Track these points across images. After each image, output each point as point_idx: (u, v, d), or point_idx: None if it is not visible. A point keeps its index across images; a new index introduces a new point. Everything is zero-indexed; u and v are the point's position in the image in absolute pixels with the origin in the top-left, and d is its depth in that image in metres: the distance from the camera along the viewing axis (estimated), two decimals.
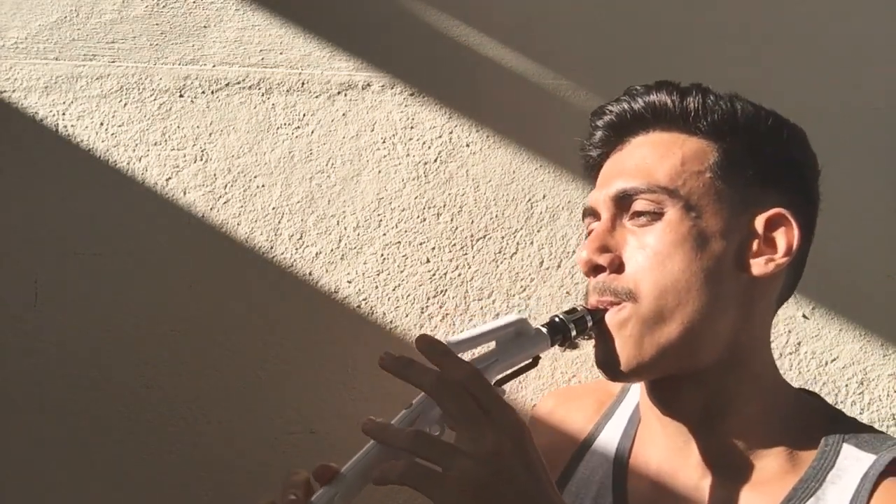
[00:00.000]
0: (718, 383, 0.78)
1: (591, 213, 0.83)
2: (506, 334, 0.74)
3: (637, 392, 0.92)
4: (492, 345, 0.74)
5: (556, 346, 0.77)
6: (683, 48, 1.18)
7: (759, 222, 0.77)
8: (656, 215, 0.77)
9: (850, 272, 1.16)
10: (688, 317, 0.74)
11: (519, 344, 0.74)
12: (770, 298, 0.80)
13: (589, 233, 0.83)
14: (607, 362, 0.77)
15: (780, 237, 0.77)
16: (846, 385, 1.14)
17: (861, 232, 1.16)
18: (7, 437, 1.06)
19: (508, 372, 0.75)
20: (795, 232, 0.77)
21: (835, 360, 1.14)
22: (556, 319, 0.77)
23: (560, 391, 1.07)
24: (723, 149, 0.78)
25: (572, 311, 0.78)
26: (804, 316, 1.15)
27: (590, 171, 0.90)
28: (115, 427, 1.07)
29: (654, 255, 0.75)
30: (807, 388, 1.12)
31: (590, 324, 0.77)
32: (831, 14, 1.20)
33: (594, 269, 0.79)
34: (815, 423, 0.79)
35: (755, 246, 0.77)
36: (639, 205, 0.78)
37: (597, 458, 0.89)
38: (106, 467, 1.06)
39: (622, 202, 0.79)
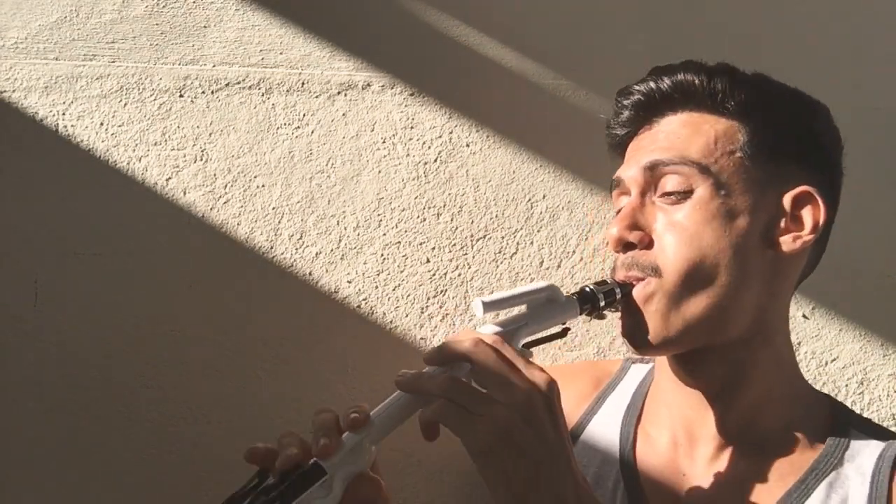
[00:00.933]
0: (740, 356, 0.79)
1: (619, 186, 0.84)
2: (537, 299, 0.76)
3: (632, 379, 0.93)
4: (523, 308, 0.77)
5: (584, 315, 0.79)
6: (683, 48, 1.17)
7: (787, 200, 0.78)
8: (686, 194, 0.78)
9: (850, 272, 1.16)
10: (715, 293, 0.76)
11: (549, 309, 0.77)
12: (794, 275, 0.82)
13: (619, 210, 0.84)
14: (634, 335, 0.79)
15: (807, 215, 0.78)
16: (846, 385, 1.14)
17: (861, 232, 1.16)
18: (7, 436, 1.06)
19: (537, 336, 0.77)
20: (822, 209, 0.78)
21: (835, 360, 1.14)
22: (587, 289, 0.78)
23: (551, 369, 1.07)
24: (750, 129, 0.79)
25: (602, 282, 0.80)
26: (804, 316, 1.15)
27: (615, 149, 0.91)
28: (115, 427, 1.07)
29: (683, 232, 0.77)
30: None
31: (618, 296, 0.79)
32: (831, 14, 1.20)
33: (625, 247, 0.80)
34: (824, 405, 0.82)
35: (783, 223, 0.78)
36: (669, 183, 0.79)
37: (587, 451, 0.89)
38: (106, 467, 1.06)
39: (653, 176, 0.80)
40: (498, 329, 0.74)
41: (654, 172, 0.80)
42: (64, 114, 1.11)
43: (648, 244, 0.79)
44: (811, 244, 0.79)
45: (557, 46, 1.17)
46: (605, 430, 0.89)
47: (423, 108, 1.15)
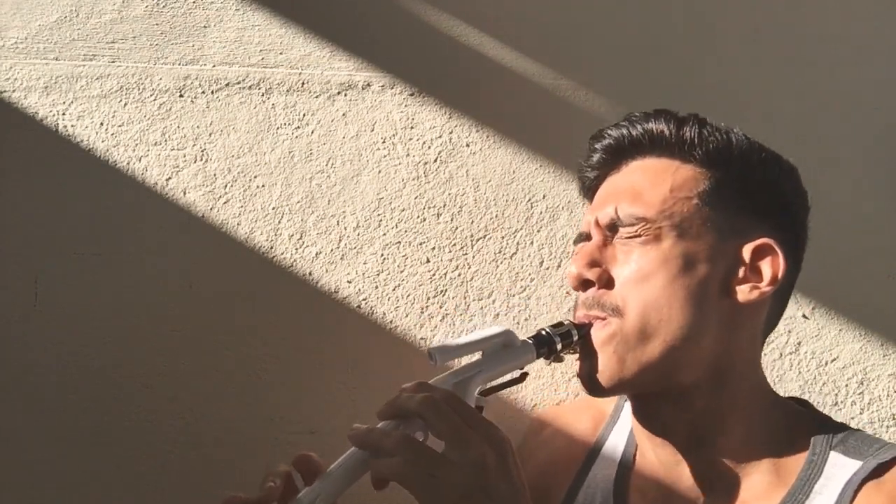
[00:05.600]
0: (703, 406, 0.79)
1: (584, 238, 0.86)
2: (492, 345, 0.76)
3: (624, 425, 0.93)
4: (478, 355, 0.76)
5: (542, 359, 0.79)
6: (682, 49, 1.18)
7: (746, 251, 0.79)
8: (643, 237, 0.79)
9: (850, 272, 1.15)
10: (670, 335, 0.76)
11: (505, 355, 0.76)
12: (755, 325, 0.82)
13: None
14: (589, 377, 0.79)
15: (766, 266, 0.79)
16: (846, 385, 1.14)
17: (861, 232, 1.16)
18: (7, 436, 1.06)
19: (494, 384, 0.77)
20: (781, 262, 0.78)
21: (835, 360, 1.14)
22: (543, 332, 0.79)
23: (553, 408, 1.08)
24: (714, 177, 0.80)
25: (559, 325, 0.80)
26: (804, 316, 1.15)
27: (586, 192, 0.92)
28: (114, 427, 1.07)
29: (638, 272, 0.78)
30: (807, 388, 1.13)
31: (575, 338, 0.79)
32: (831, 14, 1.20)
33: (583, 284, 0.81)
34: (803, 434, 0.80)
35: (741, 273, 0.79)
36: (627, 230, 0.80)
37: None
38: (105, 467, 1.06)
39: (611, 228, 0.82)
40: (452, 379, 0.73)
41: (612, 229, 0.81)
42: (64, 114, 1.11)
43: (608, 282, 0.79)
44: (769, 295, 0.79)
45: (557, 46, 1.17)
46: (608, 464, 0.90)
47: (423, 108, 1.15)
